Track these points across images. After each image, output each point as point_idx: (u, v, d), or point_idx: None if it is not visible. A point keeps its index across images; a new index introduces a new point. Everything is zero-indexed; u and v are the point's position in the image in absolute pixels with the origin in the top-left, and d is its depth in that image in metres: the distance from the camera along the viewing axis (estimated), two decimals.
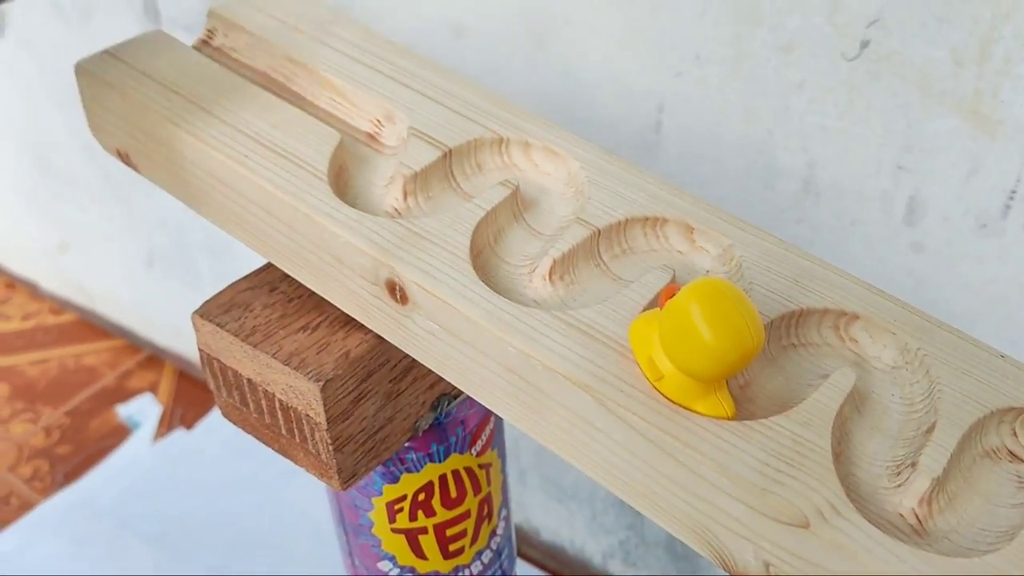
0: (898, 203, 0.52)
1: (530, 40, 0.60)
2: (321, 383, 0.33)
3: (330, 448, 0.34)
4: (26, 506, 0.97)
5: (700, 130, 0.57)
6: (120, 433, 1.05)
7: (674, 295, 0.28)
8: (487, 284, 0.31)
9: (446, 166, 0.36)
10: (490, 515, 0.44)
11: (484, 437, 0.42)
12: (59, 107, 0.98)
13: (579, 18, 0.57)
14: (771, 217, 0.57)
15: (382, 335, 0.34)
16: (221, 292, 0.37)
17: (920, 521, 0.28)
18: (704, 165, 0.57)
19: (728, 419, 0.28)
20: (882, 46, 0.48)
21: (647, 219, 0.34)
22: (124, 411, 1.07)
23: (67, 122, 0.99)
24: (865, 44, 0.48)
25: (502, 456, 0.44)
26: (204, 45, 0.41)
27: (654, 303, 0.31)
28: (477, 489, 0.42)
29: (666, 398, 0.28)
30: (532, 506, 0.89)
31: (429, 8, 0.63)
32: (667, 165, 0.59)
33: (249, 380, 0.35)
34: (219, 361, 0.36)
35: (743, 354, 0.27)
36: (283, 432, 0.36)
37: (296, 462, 0.36)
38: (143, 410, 1.07)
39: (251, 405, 0.36)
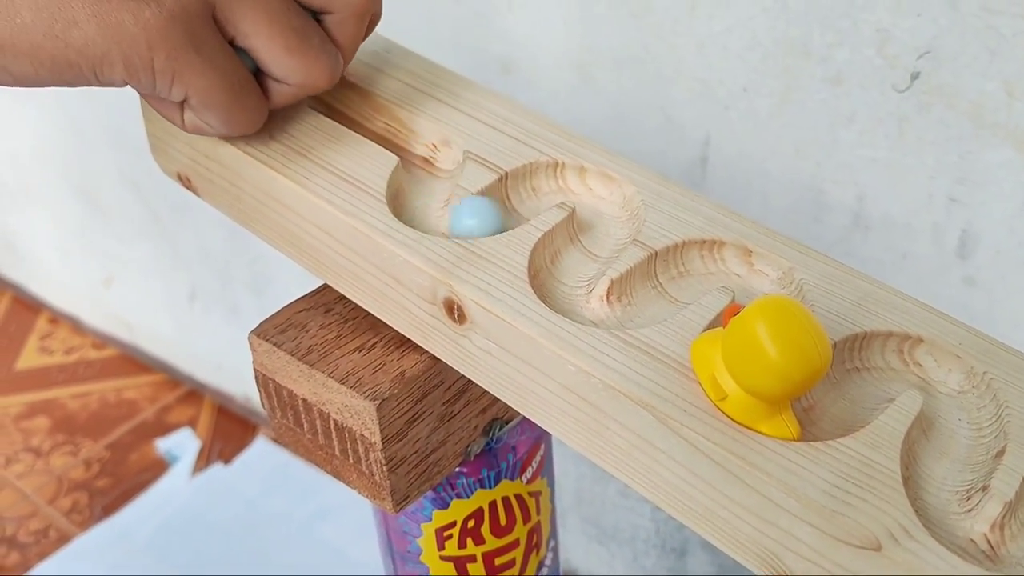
0: (950, 236, 0.52)
1: (576, 75, 0.61)
2: (377, 402, 0.33)
3: (384, 469, 0.34)
4: (64, 538, 0.98)
5: (747, 163, 0.57)
6: (159, 467, 1.05)
7: (737, 313, 0.27)
8: (545, 304, 0.31)
9: (502, 189, 0.36)
10: (539, 545, 0.43)
11: (534, 464, 0.41)
12: (109, 145, 1.00)
13: (625, 53, 0.58)
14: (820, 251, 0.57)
15: (438, 356, 0.34)
16: (277, 313, 0.37)
17: (992, 547, 0.27)
18: (751, 199, 0.57)
19: (794, 440, 0.28)
20: (933, 78, 0.48)
21: (704, 242, 0.34)
22: (163, 445, 1.08)
23: (116, 159, 1.01)
24: (916, 76, 0.48)
25: (551, 485, 0.44)
26: None
27: (714, 324, 0.31)
28: (527, 517, 0.42)
29: (729, 418, 0.28)
30: (572, 547, 0.88)
31: (477, 44, 0.64)
32: (714, 198, 0.59)
33: (304, 400, 0.35)
34: (274, 381, 0.36)
35: (810, 373, 0.26)
36: (337, 453, 0.36)
37: (349, 484, 0.36)
38: (182, 444, 1.07)
39: (305, 426, 0.36)
